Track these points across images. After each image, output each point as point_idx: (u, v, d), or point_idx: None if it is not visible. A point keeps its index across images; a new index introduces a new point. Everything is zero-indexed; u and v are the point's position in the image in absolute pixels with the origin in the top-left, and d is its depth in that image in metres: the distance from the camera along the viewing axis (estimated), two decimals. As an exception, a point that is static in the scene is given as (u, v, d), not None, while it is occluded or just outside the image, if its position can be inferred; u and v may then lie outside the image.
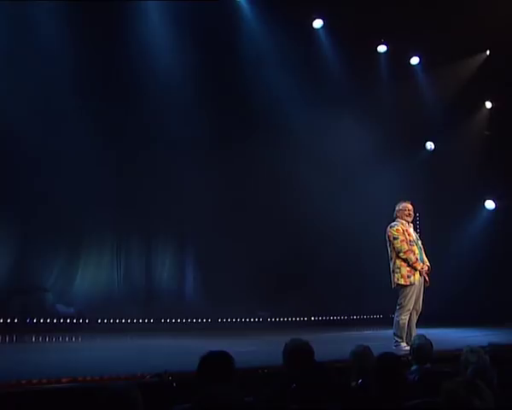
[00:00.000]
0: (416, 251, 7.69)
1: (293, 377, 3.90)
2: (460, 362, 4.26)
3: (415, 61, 13.41)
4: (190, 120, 10.43)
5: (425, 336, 4.78)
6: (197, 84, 10.43)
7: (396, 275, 7.58)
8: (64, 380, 4.64)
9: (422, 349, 4.54)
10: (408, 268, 7.57)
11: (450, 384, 2.60)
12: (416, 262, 7.58)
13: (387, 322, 7.91)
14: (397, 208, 7.95)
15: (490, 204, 13.49)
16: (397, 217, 7.92)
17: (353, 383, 4.26)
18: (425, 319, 7.86)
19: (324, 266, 11.38)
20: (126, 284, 10.52)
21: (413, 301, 7.55)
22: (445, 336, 9.15)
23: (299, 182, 11.41)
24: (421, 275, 7.62)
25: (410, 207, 7.93)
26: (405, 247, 7.59)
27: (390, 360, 3.82)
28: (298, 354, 4.11)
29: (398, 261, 7.60)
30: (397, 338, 7.50)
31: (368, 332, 8.71)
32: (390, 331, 7.80)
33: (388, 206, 8.08)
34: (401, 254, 7.57)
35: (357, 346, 4.56)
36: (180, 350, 7.46)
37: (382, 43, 12.74)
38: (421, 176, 12.50)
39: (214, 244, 10.99)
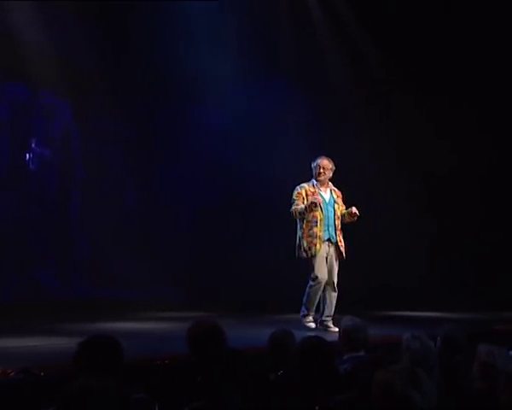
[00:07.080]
0: (319, 216, 7.81)
1: (200, 368, 3.88)
2: (401, 350, 4.34)
3: None
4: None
5: (358, 318, 4.80)
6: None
7: (300, 247, 7.93)
8: None
9: (355, 333, 4.56)
10: (309, 238, 7.85)
11: (384, 374, 2.61)
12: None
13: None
14: (312, 166, 8.07)
15: None
16: (312, 176, 8.07)
17: (272, 375, 4.28)
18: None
19: (247, 239, 11.39)
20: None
21: (323, 269, 7.84)
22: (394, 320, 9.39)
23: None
24: (330, 243, 7.85)
25: (323, 163, 7.97)
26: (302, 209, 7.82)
27: (315, 345, 3.82)
28: (205, 339, 4.10)
29: (300, 232, 7.92)
30: (304, 309, 7.95)
31: (295, 315, 8.80)
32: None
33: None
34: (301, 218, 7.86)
35: (276, 330, 4.56)
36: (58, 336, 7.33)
37: None
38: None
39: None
